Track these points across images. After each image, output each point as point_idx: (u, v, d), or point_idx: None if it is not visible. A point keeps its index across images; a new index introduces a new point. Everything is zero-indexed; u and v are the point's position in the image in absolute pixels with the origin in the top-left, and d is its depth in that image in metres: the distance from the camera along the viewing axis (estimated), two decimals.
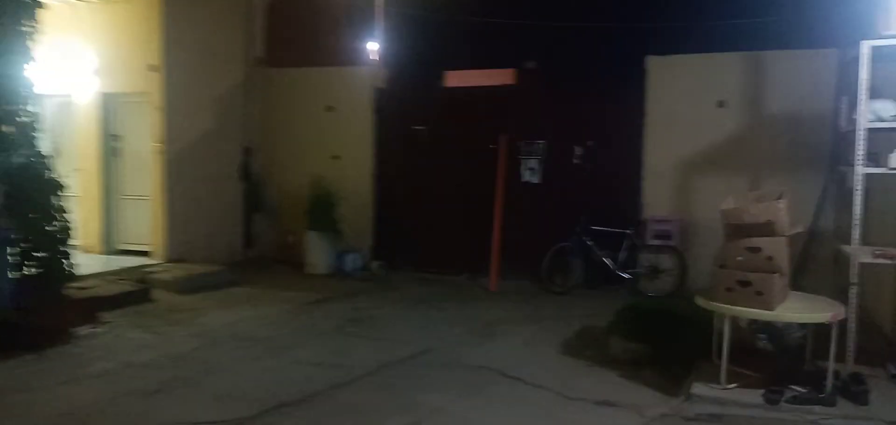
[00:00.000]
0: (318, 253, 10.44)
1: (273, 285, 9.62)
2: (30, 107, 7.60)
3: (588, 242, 9.37)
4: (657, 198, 9.37)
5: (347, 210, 10.53)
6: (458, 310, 8.34)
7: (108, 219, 10.40)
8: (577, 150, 9.79)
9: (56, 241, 7.54)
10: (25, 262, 7.31)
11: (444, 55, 10.47)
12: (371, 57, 10.51)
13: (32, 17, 7.57)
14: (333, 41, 11.04)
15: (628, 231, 9.28)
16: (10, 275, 6.88)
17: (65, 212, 7.68)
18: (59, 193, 7.65)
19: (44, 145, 8.12)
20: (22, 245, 7.23)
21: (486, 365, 6.13)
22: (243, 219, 11.31)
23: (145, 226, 10.16)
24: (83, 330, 7.09)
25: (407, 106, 10.69)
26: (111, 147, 10.37)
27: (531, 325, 7.65)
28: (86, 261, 9.83)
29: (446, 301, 8.84)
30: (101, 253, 10.30)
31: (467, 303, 8.74)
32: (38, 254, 7.42)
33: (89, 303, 7.70)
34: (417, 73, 10.66)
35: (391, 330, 7.43)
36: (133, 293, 8.33)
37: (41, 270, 7.41)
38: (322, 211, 10.44)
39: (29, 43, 7.58)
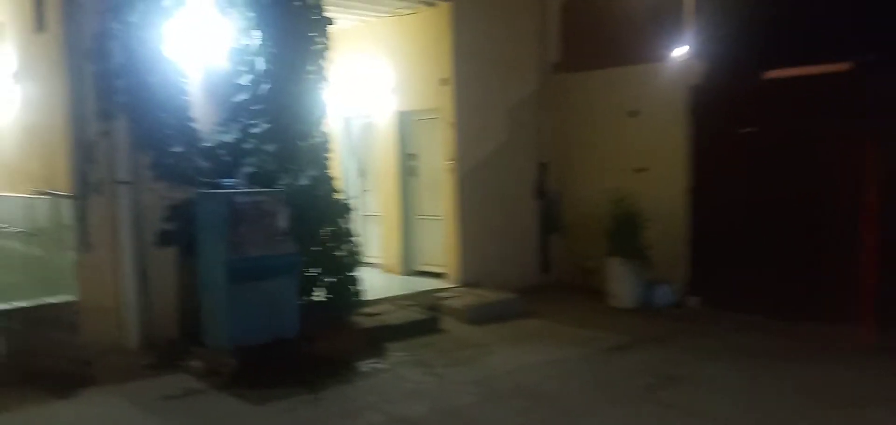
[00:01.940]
0: (621, 282, 8.96)
1: (568, 318, 8.39)
2: (321, 128, 7.47)
3: None
4: None
5: (655, 232, 8.88)
6: (814, 374, 6.20)
7: (406, 240, 10.19)
8: None
9: (344, 266, 7.25)
10: (313, 287, 7.11)
11: (776, 40, 8.23)
12: (682, 50, 8.77)
13: (324, 34, 7.43)
14: (636, 36, 9.49)
15: None
16: (296, 302, 6.66)
17: (353, 235, 7.37)
18: (347, 216, 7.37)
19: (336, 166, 8.09)
20: (309, 270, 7.04)
21: None
22: (539, 241, 10.31)
23: (440, 247, 9.71)
24: (366, 363, 6.61)
25: (731, 104, 8.66)
26: (408, 166, 10.16)
27: None
28: (384, 281, 9.71)
29: (793, 357, 6.71)
30: (400, 273, 10.10)
31: (830, 363, 6.51)
32: (326, 280, 7.18)
33: (376, 333, 7.28)
34: (743, 63, 8.56)
35: (720, 403, 5.59)
36: (421, 323, 7.75)
37: (329, 296, 7.16)
38: (626, 233, 8.93)
39: (321, 62, 7.46)
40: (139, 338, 6.59)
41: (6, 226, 8.01)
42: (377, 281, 9.67)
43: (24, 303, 6.14)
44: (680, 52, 8.85)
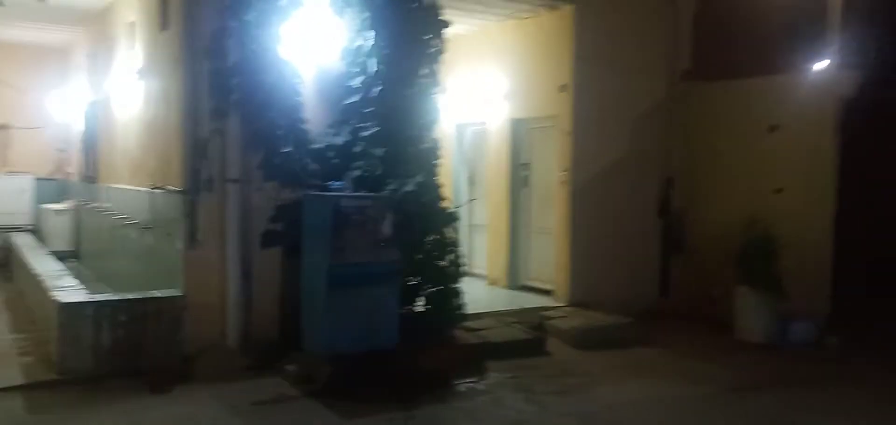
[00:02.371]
0: (751, 314, 8.12)
1: (688, 351, 7.68)
2: (432, 134, 7.21)
3: None
4: None
5: (792, 260, 7.97)
6: None
7: (515, 253, 9.77)
8: None
9: (447, 277, 6.94)
10: (414, 297, 6.84)
11: None
12: (828, 59, 7.84)
13: (439, 36, 7.17)
14: (777, 44, 8.61)
15: None
16: (396, 311, 6.42)
17: (457, 245, 7.05)
18: (453, 225, 7.06)
19: (445, 173, 7.80)
20: (411, 279, 6.78)
21: None
22: (659, 262, 9.59)
23: (550, 262, 9.22)
24: (464, 383, 6.27)
25: (887, 119, 7.64)
26: (519, 176, 9.74)
27: None
28: (489, 294, 9.35)
29: None
30: (506, 287, 9.70)
31: None
32: (428, 290, 6.90)
33: (477, 350, 6.92)
34: None
35: None
36: (525, 343, 7.32)
37: (429, 308, 6.87)
38: (758, 260, 8.09)
39: (435, 65, 7.20)
40: (240, 338, 6.57)
41: (126, 217, 8.31)
42: (481, 293, 9.32)
43: (130, 296, 6.23)
44: (826, 61, 7.92)
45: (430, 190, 6.87)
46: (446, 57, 7.29)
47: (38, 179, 13.15)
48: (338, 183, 6.65)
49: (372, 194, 6.60)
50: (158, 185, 7.08)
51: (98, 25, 10.07)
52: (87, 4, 9.54)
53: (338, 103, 7.02)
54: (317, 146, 6.89)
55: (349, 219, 6.19)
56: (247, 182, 6.62)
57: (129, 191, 8.23)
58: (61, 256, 11.92)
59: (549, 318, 8.15)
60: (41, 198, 12.84)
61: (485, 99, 9.91)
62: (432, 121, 7.23)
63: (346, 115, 7.02)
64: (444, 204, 7.06)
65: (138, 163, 7.99)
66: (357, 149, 6.92)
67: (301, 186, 6.76)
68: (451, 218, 7.05)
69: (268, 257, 6.74)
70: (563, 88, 8.78)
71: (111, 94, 9.29)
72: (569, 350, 7.50)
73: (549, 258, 9.22)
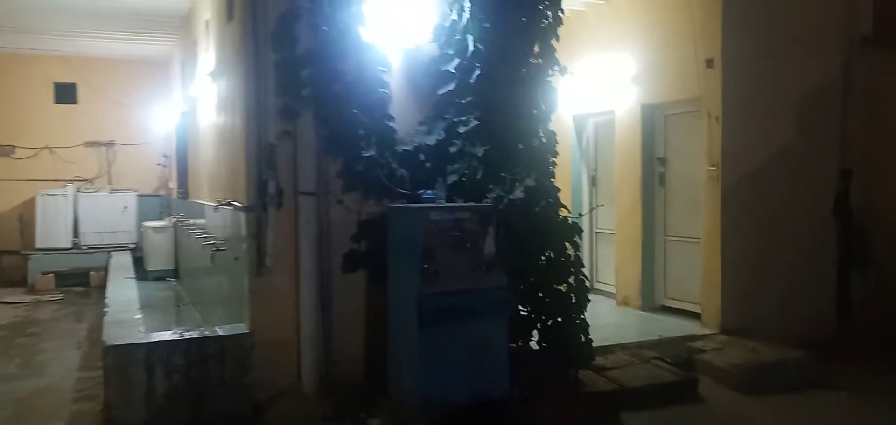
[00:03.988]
0: None
1: (884, 393, 5.87)
2: (547, 127, 5.84)
3: None
4: None
5: None
6: None
7: (649, 267, 8.14)
8: None
9: (569, 305, 5.52)
10: (529, 333, 5.48)
11: None
12: None
13: (555, 7, 5.80)
14: None
15: None
16: (506, 351, 5.08)
17: (581, 265, 5.61)
18: (575, 238, 5.63)
19: (563, 174, 6.36)
20: (523, 309, 5.43)
21: None
22: (837, 276, 7.66)
23: (695, 278, 7.55)
24: None
25: None
26: (655, 173, 8.11)
27: None
28: (618, 318, 7.83)
29: None
30: (640, 308, 8.10)
31: None
32: (545, 322, 5.51)
33: (610, 399, 5.46)
34: None
35: None
36: (671, 386, 5.76)
37: (547, 344, 5.48)
38: None
39: (550, 44, 5.83)
40: (318, 380, 5.46)
41: (207, 236, 7.47)
42: (609, 317, 7.81)
43: (189, 335, 5.26)
44: None
45: (545, 196, 5.49)
46: (563, 35, 5.90)
47: (142, 196, 12.89)
48: (430, 191, 5.39)
49: (471, 204, 5.31)
50: (225, 201, 6.12)
51: (186, 30, 9.44)
52: (172, 6, 8.86)
53: (430, 94, 5.80)
54: (406, 147, 5.69)
55: (443, 236, 4.95)
56: (323, 194, 5.50)
57: (207, 207, 7.39)
58: (161, 276, 11.57)
59: (699, 352, 6.52)
60: (145, 215, 12.53)
61: (610, 82, 8.36)
62: (547, 111, 5.87)
63: (440, 109, 5.80)
64: (563, 213, 5.64)
65: (214, 175, 7.13)
66: (453, 149, 5.66)
67: (389, 197, 5.58)
68: (573, 230, 5.63)
69: (350, 284, 5.60)
70: (709, 63, 7.10)
71: (195, 103, 8.55)
72: (729, 395, 5.86)
73: (694, 273, 7.54)
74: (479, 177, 5.53)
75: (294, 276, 5.45)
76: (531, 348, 5.45)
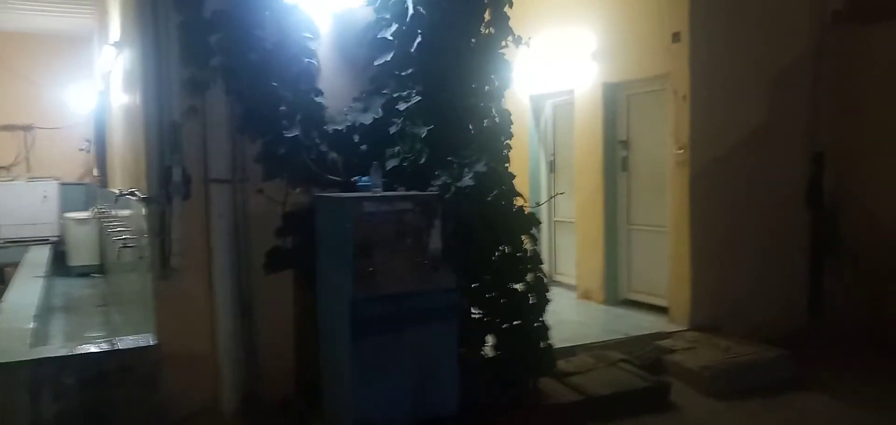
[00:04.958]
0: None
1: (868, 395, 5.40)
2: (499, 104, 5.15)
3: None
4: None
5: None
6: None
7: (612, 258, 7.55)
8: None
9: (526, 307, 4.85)
10: (482, 339, 4.80)
11: None
12: None
13: None
14: None
15: None
16: (456, 361, 4.39)
17: (539, 260, 4.94)
18: (533, 230, 4.96)
19: (520, 159, 5.65)
20: (477, 313, 4.74)
21: None
22: (809, 268, 7.17)
23: (661, 270, 6.97)
24: None
25: None
26: (617, 157, 7.50)
27: None
28: (580, 315, 7.21)
29: None
30: (603, 302, 7.51)
31: None
32: (500, 326, 4.83)
33: (575, 411, 4.83)
34: None
35: None
36: (639, 393, 5.14)
37: (503, 352, 4.80)
38: None
39: (503, 10, 5.12)
40: (239, 399, 4.69)
41: (119, 230, 6.59)
42: (570, 312, 7.20)
43: (84, 349, 4.43)
44: None
45: (498, 183, 4.78)
46: (518, 5, 5.21)
47: (65, 185, 11.82)
48: (366, 178, 4.64)
49: (413, 193, 4.59)
50: (129, 190, 5.28)
51: (101, 2, 8.46)
52: None
53: (366, 66, 5.05)
54: (337, 127, 4.93)
55: (380, 231, 4.22)
56: (240, 182, 4.72)
57: (120, 196, 6.51)
58: (85, 272, 10.58)
59: (669, 351, 5.94)
60: (69, 205, 11.49)
61: (569, 60, 7.71)
62: (500, 87, 5.17)
63: (377, 83, 5.05)
64: (519, 202, 4.96)
65: (122, 161, 6.25)
66: (393, 129, 4.92)
67: (318, 185, 4.82)
68: (530, 221, 4.94)
69: (276, 286, 4.84)
70: (676, 37, 6.50)
71: (107, 80, 7.62)
72: (703, 401, 5.29)
73: (661, 264, 6.97)
74: (422, 161, 4.80)
75: (207, 278, 4.65)
76: (484, 357, 4.77)
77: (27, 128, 11.99)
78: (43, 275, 7.36)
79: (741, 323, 6.46)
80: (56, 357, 4.34)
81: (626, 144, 7.42)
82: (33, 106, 11.87)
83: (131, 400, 4.46)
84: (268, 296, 4.81)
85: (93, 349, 4.45)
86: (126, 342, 4.56)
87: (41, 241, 10.95)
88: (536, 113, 8.70)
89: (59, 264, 10.59)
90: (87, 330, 7.26)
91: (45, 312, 6.63)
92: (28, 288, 6.67)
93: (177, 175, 4.51)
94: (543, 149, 8.70)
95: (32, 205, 11.29)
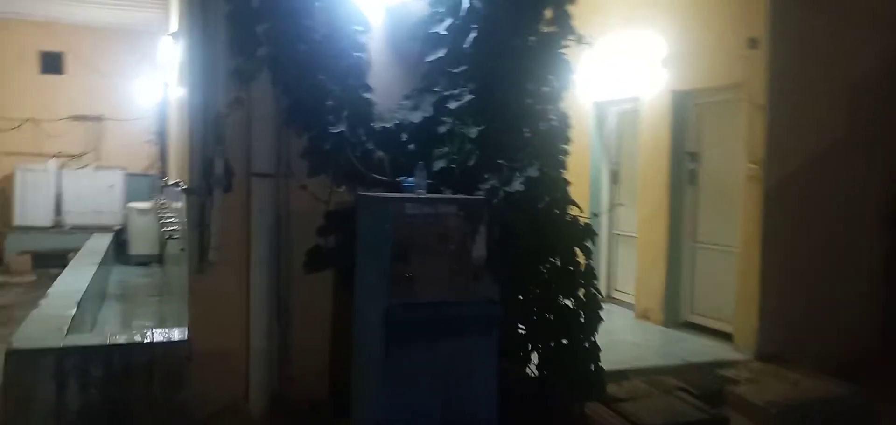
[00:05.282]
0: None
1: None
2: (558, 107, 4.85)
3: None
4: None
5: None
6: None
7: (675, 277, 7.10)
8: None
9: (576, 324, 4.53)
10: (526, 356, 4.51)
11: None
12: None
13: None
14: None
15: None
16: (495, 377, 4.12)
17: (593, 276, 4.62)
18: (588, 242, 4.64)
19: (578, 167, 5.32)
20: (519, 328, 4.46)
21: None
22: (885, 291, 6.58)
23: (727, 293, 6.51)
24: None
25: None
26: (684, 170, 7.07)
27: None
28: (636, 335, 6.81)
29: None
30: (662, 323, 7.07)
31: None
32: (547, 344, 4.53)
33: None
34: None
35: None
36: None
37: (547, 371, 4.50)
38: None
39: (565, 8, 4.83)
40: (268, 400, 4.54)
41: (173, 221, 6.59)
42: (626, 332, 6.81)
43: (114, 340, 4.36)
44: None
45: (551, 189, 4.49)
46: (584, 6, 4.91)
47: (131, 175, 12.10)
48: (412, 179, 4.42)
49: (459, 196, 4.35)
50: (175, 181, 5.22)
51: None
52: None
53: (418, 63, 4.84)
54: (385, 125, 4.73)
55: (421, 235, 3.99)
56: (283, 177, 4.59)
57: (165, 187, 6.51)
58: (144, 261, 10.77)
59: (732, 382, 5.50)
60: (134, 195, 11.75)
61: (636, 65, 7.33)
62: (559, 88, 4.86)
63: (429, 81, 4.83)
64: (573, 211, 4.65)
65: (176, 152, 6.23)
66: (442, 129, 4.69)
67: (363, 184, 4.63)
68: (584, 233, 4.62)
69: (314, 286, 4.68)
70: (753, 44, 6.04)
71: (167, 72, 7.67)
72: None
73: (727, 287, 6.50)
74: (471, 163, 4.55)
75: (244, 275, 4.53)
76: (527, 375, 4.48)
77: (97, 119, 12.31)
78: (97, 262, 7.46)
79: (810, 351, 5.95)
80: (85, 347, 4.27)
81: (694, 156, 6.98)
82: (104, 98, 12.20)
83: (156, 395, 4.36)
84: (306, 297, 4.66)
85: (121, 341, 4.36)
86: (157, 335, 4.46)
87: (105, 229, 11.21)
88: (599, 120, 8.32)
89: (121, 253, 10.82)
90: (135, 318, 7.32)
91: (95, 299, 6.68)
92: (80, 274, 6.74)
93: (219, 167, 4.40)
94: (606, 158, 8.31)
95: (98, 194, 11.58)
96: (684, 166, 7.04)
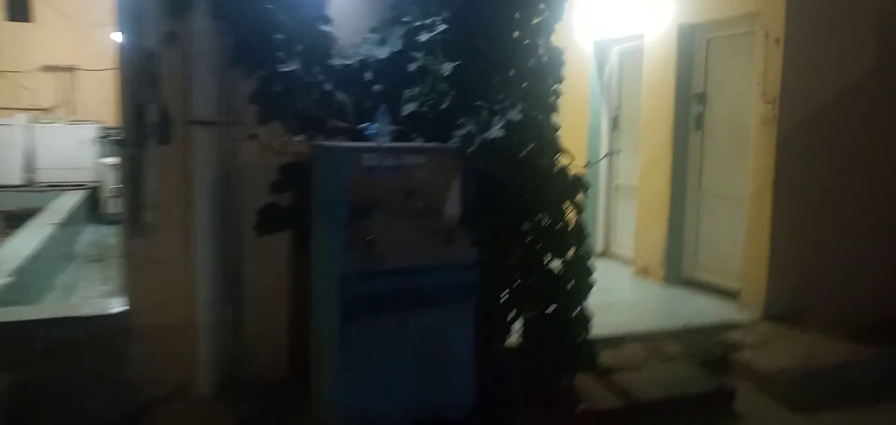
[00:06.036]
0: None
1: None
2: (547, 42, 4.24)
3: None
4: None
5: None
6: None
7: (677, 230, 6.54)
8: None
9: (564, 289, 3.99)
10: (507, 326, 3.98)
11: None
12: None
13: None
14: None
15: None
16: (472, 350, 3.60)
17: (584, 234, 4.06)
18: (577, 196, 4.06)
19: (574, 111, 4.70)
20: (501, 295, 3.92)
21: None
22: None
23: (735, 247, 5.95)
24: None
25: None
26: (691, 114, 6.44)
27: None
28: (635, 295, 6.29)
29: None
30: (663, 282, 6.53)
31: None
32: (531, 313, 3.99)
33: (618, 419, 3.96)
34: None
35: None
36: (700, 400, 4.23)
37: (532, 343, 3.97)
38: None
39: None
40: (219, 379, 4.03)
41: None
42: (624, 291, 6.30)
43: (40, 315, 3.84)
44: None
45: (537, 135, 3.89)
46: None
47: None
48: (375, 126, 3.83)
49: (428, 145, 3.76)
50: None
51: None
52: None
53: None
54: (347, 62, 4.12)
55: (383, 190, 3.43)
56: (229, 125, 3.99)
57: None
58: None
59: (737, 346, 4.98)
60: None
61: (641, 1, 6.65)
62: (550, 18, 4.23)
63: (398, 9, 4.21)
64: (563, 159, 4.07)
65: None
66: (413, 66, 4.07)
67: (323, 132, 4.04)
68: (575, 185, 4.04)
69: (269, 250, 4.12)
70: None
71: None
72: (776, 412, 4.35)
73: (735, 240, 5.94)
74: (445, 106, 3.95)
75: (187, 238, 3.97)
76: (509, 348, 3.95)
77: (69, 70, 11.67)
78: (55, 223, 6.91)
79: (827, 312, 5.42)
80: (7, 321, 3.75)
81: (702, 98, 6.36)
82: (75, 47, 11.52)
83: (95, 375, 3.86)
84: (259, 262, 4.11)
85: (52, 315, 3.84)
86: (93, 307, 3.94)
87: (79, 187, 10.67)
88: (600, 62, 7.65)
89: (96, 211, 10.30)
90: (106, 283, 6.82)
91: (54, 263, 6.15)
92: (30, 237, 6.20)
93: (152, 114, 3.81)
94: (607, 103, 7.68)
95: (72, 150, 10.99)
96: (691, 109, 6.42)
